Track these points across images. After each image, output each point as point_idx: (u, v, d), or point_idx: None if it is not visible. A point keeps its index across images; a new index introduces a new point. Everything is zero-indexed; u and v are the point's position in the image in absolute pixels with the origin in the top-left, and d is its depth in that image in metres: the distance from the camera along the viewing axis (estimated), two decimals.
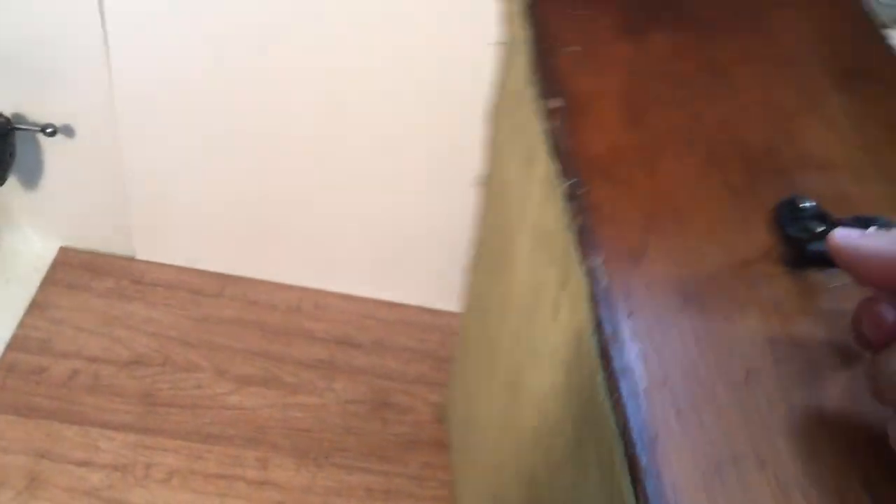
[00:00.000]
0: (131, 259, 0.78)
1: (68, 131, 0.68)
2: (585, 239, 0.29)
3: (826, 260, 0.26)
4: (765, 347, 0.27)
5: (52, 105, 0.66)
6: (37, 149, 0.70)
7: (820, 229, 0.29)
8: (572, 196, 0.30)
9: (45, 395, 0.67)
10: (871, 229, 0.26)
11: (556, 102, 0.33)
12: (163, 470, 0.65)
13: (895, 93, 0.38)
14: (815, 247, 0.29)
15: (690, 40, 0.38)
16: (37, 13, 0.60)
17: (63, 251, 0.77)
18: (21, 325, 0.72)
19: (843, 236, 0.25)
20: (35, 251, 0.77)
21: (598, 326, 0.26)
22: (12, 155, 0.65)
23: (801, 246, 0.29)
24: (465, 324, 0.60)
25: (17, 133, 0.65)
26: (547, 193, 0.33)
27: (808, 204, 0.30)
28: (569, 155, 0.32)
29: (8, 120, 0.63)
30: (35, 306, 0.73)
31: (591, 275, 0.28)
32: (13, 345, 0.70)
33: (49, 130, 0.64)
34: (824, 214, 0.30)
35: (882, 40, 0.41)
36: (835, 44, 0.40)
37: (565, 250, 0.30)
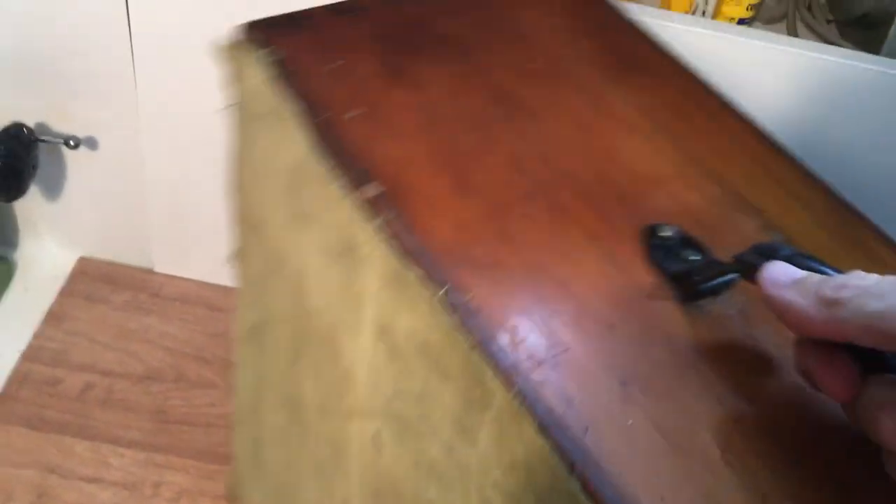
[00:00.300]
0: (150, 271, 0.77)
1: (91, 143, 0.68)
2: (492, 352, 0.26)
3: (717, 290, 0.27)
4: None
5: (76, 117, 0.66)
6: (59, 159, 0.70)
7: (696, 259, 0.29)
8: (454, 306, 0.27)
9: (57, 409, 0.67)
10: (780, 265, 0.25)
11: (371, 190, 0.29)
12: (172, 489, 0.64)
13: (667, 80, 0.37)
14: (706, 286, 0.28)
15: (459, 69, 0.35)
16: (63, 25, 0.60)
17: (82, 261, 0.77)
18: (36, 335, 0.71)
19: (770, 289, 0.24)
20: (54, 261, 0.76)
21: (560, 451, 0.24)
22: (35, 167, 0.64)
23: (688, 282, 0.28)
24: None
25: (40, 144, 0.64)
26: (404, 297, 0.29)
27: (669, 233, 0.30)
28: (420, 253, 0.28)
29: (31, 131, 0.63)
30: (51, 317, 0.73)
31: (525, 394, 0.25)
32: (27, 355, 0.70)
33: (72, 143, 0.63)
34: (689, 239, 0.30)
35: (633, 24, 0.40)
36: (593, 38, 0.38)
37: (469, 367, 0.26)
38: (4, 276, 0.75)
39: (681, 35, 0.51)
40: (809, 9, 0.66)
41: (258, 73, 0.34)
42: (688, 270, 0.28)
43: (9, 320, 0.72)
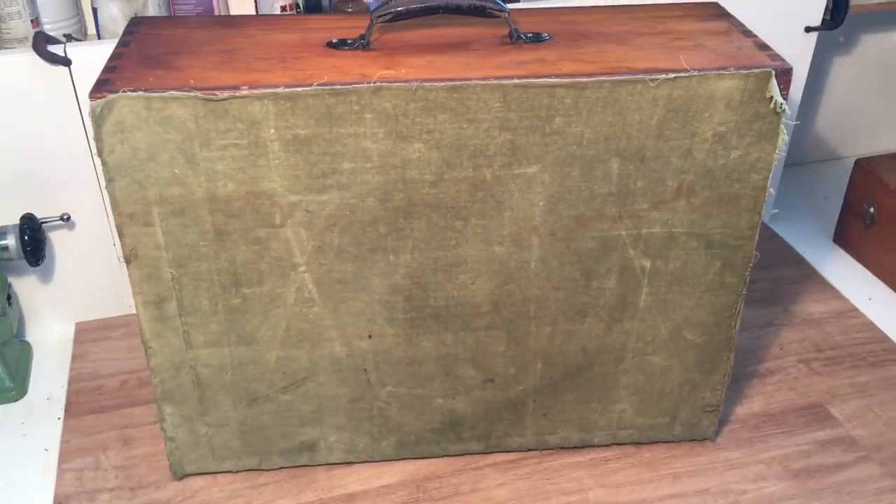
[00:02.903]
0: (135, 315, 1.07)
1: (70, 226, 0.99)
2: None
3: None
4: None
5: (60, 206, 0.98)
6: (49, 247, 1.00)
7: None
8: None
9: (109, 399, 0.95)
10: None
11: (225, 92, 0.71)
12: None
13: None
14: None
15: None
16: (42, 146, 0.93)
17: (79, 325, 1.06)
18: (71, 369, 0.99)
19: None
20: (58, 333, 1.05)
21: None
22: (45, 241, 0.95)
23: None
24: None
25: (44, 225, 0.96)
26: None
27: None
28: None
29: (34, 216, 0.94)
30: (75, 358, 1.01)
31: None
32: (71, 380, 0.98)
33: (66, 217, 0.95)
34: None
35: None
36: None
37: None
38: (29, 350, 1.02)
39: None
40: None
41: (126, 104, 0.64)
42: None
43: (47, 373, 1.00)
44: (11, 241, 0.91)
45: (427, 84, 0.65)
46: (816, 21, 1.11)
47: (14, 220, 0.94)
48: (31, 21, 0.94)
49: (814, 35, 1.12)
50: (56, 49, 0.89)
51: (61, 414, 0.94)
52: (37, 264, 0.93)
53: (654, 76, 0.66)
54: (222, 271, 0.72)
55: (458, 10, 0.71)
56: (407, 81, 0.65)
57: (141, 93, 0.63)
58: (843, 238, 1.20)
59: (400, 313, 0.76)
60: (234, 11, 1.02)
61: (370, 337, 0.77)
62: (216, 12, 0.97)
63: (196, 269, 0.72)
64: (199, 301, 0.73)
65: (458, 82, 0.65)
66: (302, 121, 0.66)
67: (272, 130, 0.66)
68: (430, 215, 0.71)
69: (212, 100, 0.64)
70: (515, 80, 0.66)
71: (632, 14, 0.79)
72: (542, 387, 0.82)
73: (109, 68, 0.68)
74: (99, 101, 0.63)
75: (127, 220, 0.69)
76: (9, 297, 0.96)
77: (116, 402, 0.95)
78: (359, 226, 0.71)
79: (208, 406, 0.79)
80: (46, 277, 1.03)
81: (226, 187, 0.68)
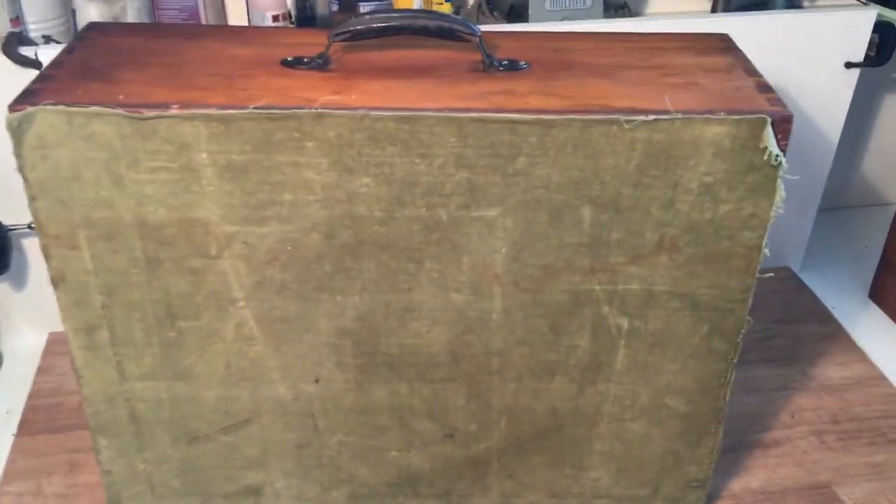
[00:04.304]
0: None
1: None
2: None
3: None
4: None
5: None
6: (21, 254, 0.97)
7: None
8: None
9: (65, 418, 0.91)
10: None
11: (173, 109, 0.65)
12: None
13: None
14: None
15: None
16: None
17: (52, 335, 1.02)
18: (34, 383, 0.95)
19: None
20: (31, 340, 1.01)
21: None
22: (10, 248, 0.91)
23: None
24: None
25: (11, 233, 0.92)
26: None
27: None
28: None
29: (2, 225, 0.90)
30: (41, 371, 0.97)
31: None
32: (32, 395, 0.94)
33: (32, 225, 0.91)
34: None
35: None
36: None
37: None
38: None
39: None
40: (489, 10, 1.03)
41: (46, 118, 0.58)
42: None
43: (10, 385, 0.96)
44: None
45: (374, 113, 0.59)
46: (858, 56, 1.01)
47: None
48: (12, 20, 0.90)
49: (855, 71, 1.02)
50: (29, 51, 0.85)
51: (15, 431, 0.89)
52: (2, 272, 0.90)
53: (630, 117, 0.58)
54: (156, 301, 0.66)
55: (425, 32, 0.65)
56: (353, 109, 0.59)
57: (62, 107, 0.58)
58: (879, 294, 1.09)
59: (349, 358, 0.69)
60: (230, 20, 0.97)
61: (317, 381, 0.70)
62: (202, 20, 0.93)
63: (127, 298, 0.66)
64: (132, 331, 0.68)
65: (408, 112, 0.59)
66: (237, 146, 0.60)
67: (204, 155, 0.60)
68: (379, 255, 0.64)
69: (137, 118, 0.58)
70: (472, 114, 0.59)
71: (627, 43, 0.71)
72: (507, 446, 0.74)
73: (43, 77, 0.63)
74: (16, 114, 0.58)
75: (52, 241, 0.64)
76: None
77: (71, 422, 0.90)
78: (302, 262, 0.65)
79: (145, 441, 0.74)
80: (20, 285, 0.99)
81: (156, 213, 0.62)
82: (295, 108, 0.59)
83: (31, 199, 0.62)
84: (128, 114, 0.58)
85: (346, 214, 0.63)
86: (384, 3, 1.00)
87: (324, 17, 1.00)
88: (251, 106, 0.59)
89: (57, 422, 0.90)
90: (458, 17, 0.64)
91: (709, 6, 1.11)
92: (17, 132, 0.59)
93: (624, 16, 1.01)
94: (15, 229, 0.92)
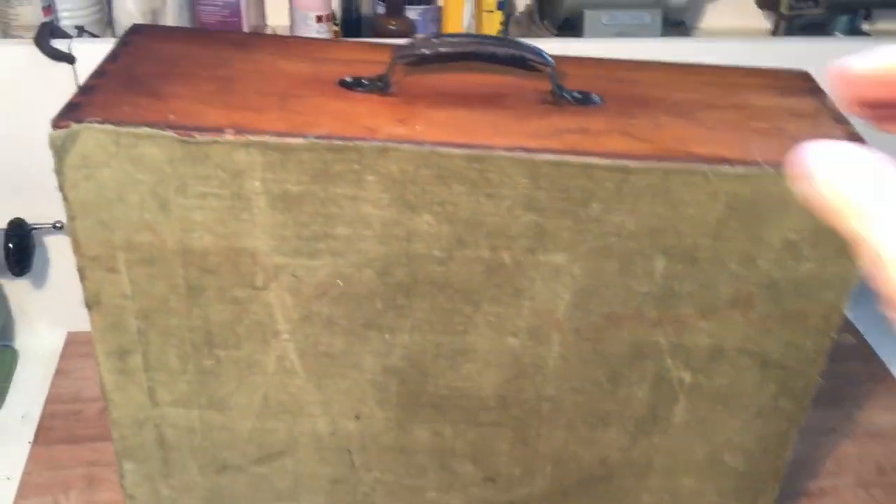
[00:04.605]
0: None
1: (63, 231, 0.92)
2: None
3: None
4: None
5: (55, 212, 0.90)
6: (42, 252, 0.93)
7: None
8: None
9: (85, 427, 0.87)
10: None
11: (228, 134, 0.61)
12: None
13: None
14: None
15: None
16: (36, 137, 0.85)
17: (70, 335, 0.99)
18: (52, 386, 0.92)
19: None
20: (49, 339, 0.98)
21: None
22: (34, 247, 0.88)
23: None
24: None
25: (34, 232, 0.88)
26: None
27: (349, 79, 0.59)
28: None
29: (27, 223, 0.87)
30: (59, 374, 0.94)
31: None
32: (50, 400, 0.90)
33: (58, 224, 0.87)
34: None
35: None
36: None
37: None
38: (11, 359, 0.95)
39: None
40: (541, 20, 0.99)
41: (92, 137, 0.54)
42: None
43: (27, 386, 0.93)
44: None
45: (443, 149, 0.55)
46: None
47: (1, 224, 0.86)
48: (44, 8, 0.86)
49: None
50: (61, 44, 0.81)
51: (32, 437, 0.86)
52: (20, 274, 0.86)
53: (716, 167, 0.54)
54: (194, 329, 0.63)
55: (494, 59, 0.60)
56: (419, 143, 0.55)
57: (109, 126, 0.54)
58: None
59: (393, 397, 0.66)
60: (270, 21, 0.93)
61: (357, 417, 0.67)
62: (243, 18, 0.88)
63: (165, 324, 0.62)
64: (167, 357, 0.64)
65: (479, 150, 0.55)
66: (293, 176, 0.56)
67: (258, 183, 0.56)
68: (435, 295, 0.61)
69: (189, 142, 0.55)
70: (548, 156, 0.55)
71: (703, 77, 0.67)
72: (551, 493, 0.71)
73: (87, 88, 0.59)
74: (61, 131, 0.54)
75: (89, 263, 0.60)
76: None
77: (91, 432, 0.87)
78: (352, 298, 0.61)
79: (173, 468, 0.70)
80: (39, 282, 0.96)
81: (202, 240, 0.59)
82: (357, 139, 0.55)
83: (71, 218, 0.58)
84: (180, 137, 0.54)
85: (403, 252, 0.59)
86: (432, 6, 0.96)
87: (368, 17, 0.96)
88: (311, 135, 0.55)
89: (76, 431, 0.87)
90: (530, 44, 0.60)
91: (764, 20, 1.07)
92: (60, 150, 0.55)
93: (682, 33, 0.97)
94: (38, 228, 0.88)
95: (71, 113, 0.55)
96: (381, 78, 0.61)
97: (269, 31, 0.96)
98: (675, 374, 0.64)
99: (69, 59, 0.80)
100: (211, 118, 0.56)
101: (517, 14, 1.02)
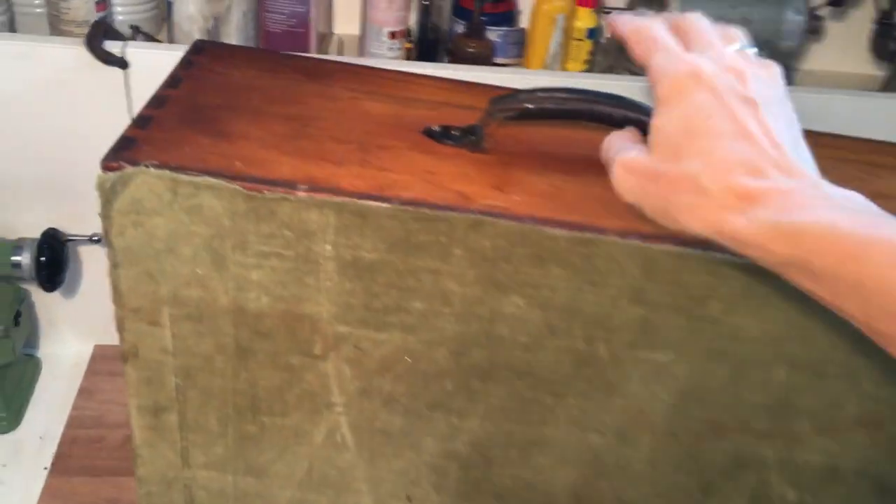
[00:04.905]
0: None
1: (100, 243, 0.85)
2: None
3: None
4: None
5: (91, 222, 0.83)
6: (75, 261, 0.87)
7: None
8: None
9: (106, 458, 0.81)
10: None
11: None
12: None
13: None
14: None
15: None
16: (79, 146, 0.79)
17: (98, 348, 0.92)
18: (74, 407, 0.86)
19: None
20: (75, 351, 0.92)
21: None
22: (68, 261, 0.81)
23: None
24: None
25: (69, 243, 0.82)
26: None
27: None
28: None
29: (62, 233, 0.80)
30: (83, 392, 0.88)
31: None
32: (71, 423, 0.84)
33: (96, 237, 0.81)
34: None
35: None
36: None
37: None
38: (34, 370, 0.89)
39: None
40: (624, 58, 0.91)
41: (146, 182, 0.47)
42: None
43: (48, 402, 0.87)
44: (27, 258, 0.78)
45: (546, 229, 0.47)
46: None
47: (36, 234, 0.80)
48: (98, 3, 0.79)
49: None
50: (114, 47, 0.74)
51: (49, 463, 0.80)
52: (52, 289, 0.80)
53: None
54: (239, 392, 0.56)
55: (606, 120, 0.53)
56: (519, 219, 0.47)
57: (167, 171, 0.47)
58: None
59: (452, 482, 0.59)
60: (337, 29, 0.85)
61: (409, 500, 0.60)
62: (312, 28, 0.81)
63: (207, 384, 0.56)
64: (206, 419, 0.57)
65: (588, 234, 0.47)
66: (370, 242, 0.49)
67: (328, 247, 0.49)
68: (514, 382, 0.53)
69: (256, 197, 0.47)
70: (667, 247, 0.47)
71: (833, 150, 0.58)
72: None
73: (143, 120, 0.52)
74: (112, 174, 0.48)
75: (130, 314, 0.53)
76: (18, 315, 0.82)
77: (112, 464, 0.81)
78: (420, 376, 0.54)
79: None
80: (68, 293, 0.89)
81: (258, 301, 0.52)
82: (448, 208, 0.47)
83: (114, 265, 0.51)
84: (246, 191, 0.47)
85: (484, 333, 0.52)
86: (513, 28, 0.88)
87: (444, 35, 0.88)
88: (397, 200, 0.47)
89: (96, 462, 0.81)
90: (649, 106, 0.52)
91: (874, 67, 0.98)
92: (108, 192, 0.48)
93: (788, 79, 0.88)
94: (74, 239, 0.82)
95: (124, 152, 0.48)
96: (473, 130, 0.54)
97: (336, 41, 0.88)
98: (776, 491, 0.56)
99: (122, 63, 0.73)
100: (282, 169, 0.49)
101: (604, 40, 0.94)
